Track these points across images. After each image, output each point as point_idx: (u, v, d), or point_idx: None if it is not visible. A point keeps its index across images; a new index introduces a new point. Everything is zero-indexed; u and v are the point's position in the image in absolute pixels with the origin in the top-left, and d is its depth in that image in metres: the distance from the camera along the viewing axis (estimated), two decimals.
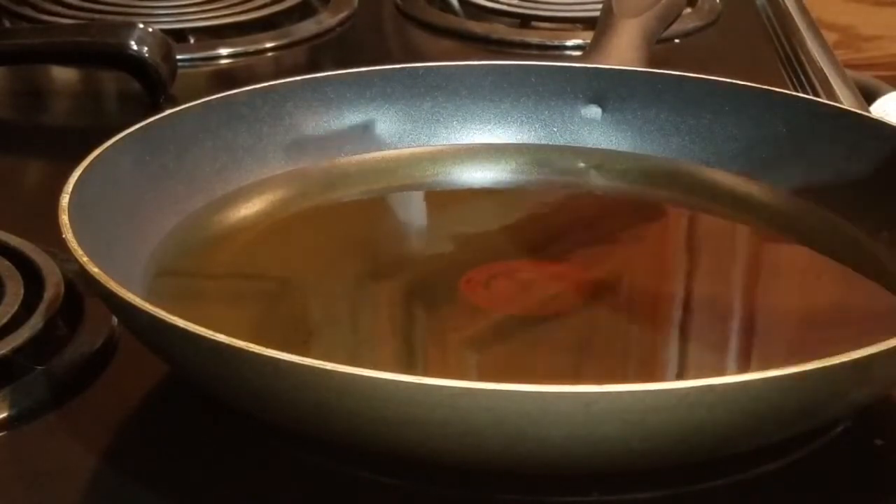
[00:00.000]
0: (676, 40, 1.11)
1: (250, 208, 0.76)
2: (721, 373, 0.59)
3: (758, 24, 1.20)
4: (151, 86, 0.98)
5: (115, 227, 0.69)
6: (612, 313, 0.71)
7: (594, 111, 0.83)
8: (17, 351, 0.65)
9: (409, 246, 0.79)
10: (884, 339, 0.54)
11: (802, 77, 1.06)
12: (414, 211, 0.83)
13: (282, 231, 0.75)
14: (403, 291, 0.72)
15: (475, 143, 0.84)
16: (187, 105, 0.77)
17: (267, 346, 0.53)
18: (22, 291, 0.69)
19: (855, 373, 0.54)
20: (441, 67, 0.84)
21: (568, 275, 0.73)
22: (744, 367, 0.65)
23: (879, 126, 0.76)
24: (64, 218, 0.62)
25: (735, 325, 0.70)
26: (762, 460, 0.59)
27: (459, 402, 0.52)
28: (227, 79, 1.08)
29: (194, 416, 0.63)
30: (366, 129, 0.82)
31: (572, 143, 0.84)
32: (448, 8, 1.21)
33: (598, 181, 0.82)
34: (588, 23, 1.11)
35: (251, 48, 1.12)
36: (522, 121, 0.83)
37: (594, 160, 0.82)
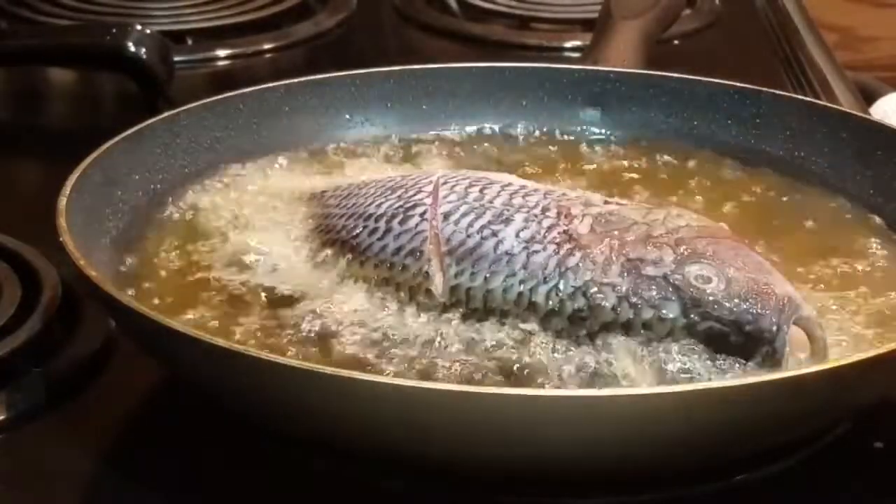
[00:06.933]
0: (676, 41, 1.11)
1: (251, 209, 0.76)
2: None
3: (757, 24, 1.20)
4: (149, 87, 0.98)
5: (113, 229, 0.69)
6: None
7: (593, 112, 0.83)
8: (14, 353, 0.65)
9: None
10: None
11: (802, 78, 1.06)
12: None
13: (282, 230, 0.74)
14: None
15: None
16: (185, 107, 0.77)
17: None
18: (19, 293, 0.69)
19: (855, 376, 0.54)
20: (440, 69, 0.84)
21: None
22: None
23: (879, 127, 0.76)
24: (61, 221, 0.62)
25: None
26: (762, 463, 0.59)
27: (460, 406, 0.52)
28: (225, 80, 1.07)
29: (191, 418, 0.63)
30: (364, 129, 0.82)
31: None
32: (447, 9, 1.21)
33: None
34: (587, 24, 1.11)
35: (249, 49, 1.12)
36: (521, 122, 0.83)
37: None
